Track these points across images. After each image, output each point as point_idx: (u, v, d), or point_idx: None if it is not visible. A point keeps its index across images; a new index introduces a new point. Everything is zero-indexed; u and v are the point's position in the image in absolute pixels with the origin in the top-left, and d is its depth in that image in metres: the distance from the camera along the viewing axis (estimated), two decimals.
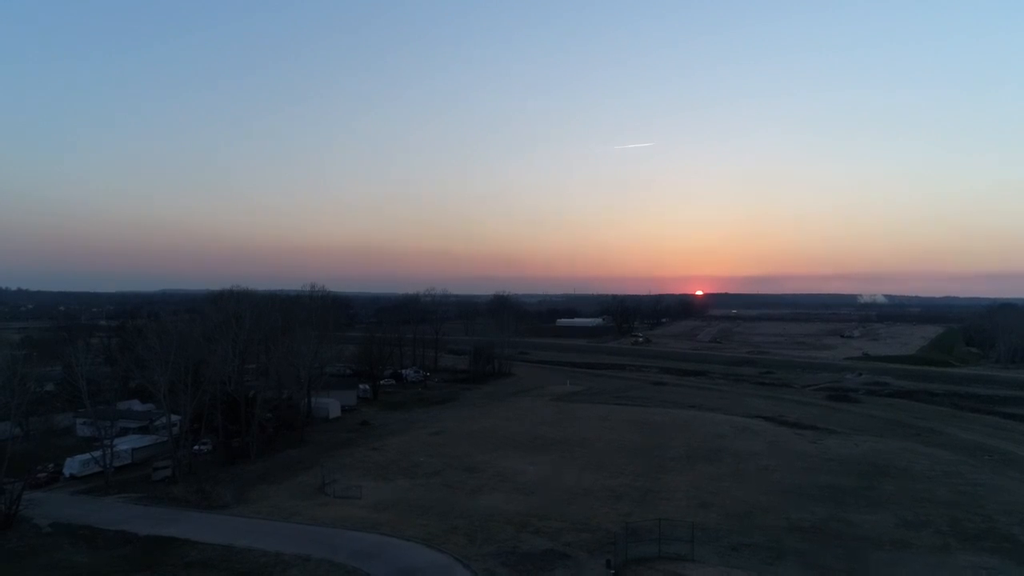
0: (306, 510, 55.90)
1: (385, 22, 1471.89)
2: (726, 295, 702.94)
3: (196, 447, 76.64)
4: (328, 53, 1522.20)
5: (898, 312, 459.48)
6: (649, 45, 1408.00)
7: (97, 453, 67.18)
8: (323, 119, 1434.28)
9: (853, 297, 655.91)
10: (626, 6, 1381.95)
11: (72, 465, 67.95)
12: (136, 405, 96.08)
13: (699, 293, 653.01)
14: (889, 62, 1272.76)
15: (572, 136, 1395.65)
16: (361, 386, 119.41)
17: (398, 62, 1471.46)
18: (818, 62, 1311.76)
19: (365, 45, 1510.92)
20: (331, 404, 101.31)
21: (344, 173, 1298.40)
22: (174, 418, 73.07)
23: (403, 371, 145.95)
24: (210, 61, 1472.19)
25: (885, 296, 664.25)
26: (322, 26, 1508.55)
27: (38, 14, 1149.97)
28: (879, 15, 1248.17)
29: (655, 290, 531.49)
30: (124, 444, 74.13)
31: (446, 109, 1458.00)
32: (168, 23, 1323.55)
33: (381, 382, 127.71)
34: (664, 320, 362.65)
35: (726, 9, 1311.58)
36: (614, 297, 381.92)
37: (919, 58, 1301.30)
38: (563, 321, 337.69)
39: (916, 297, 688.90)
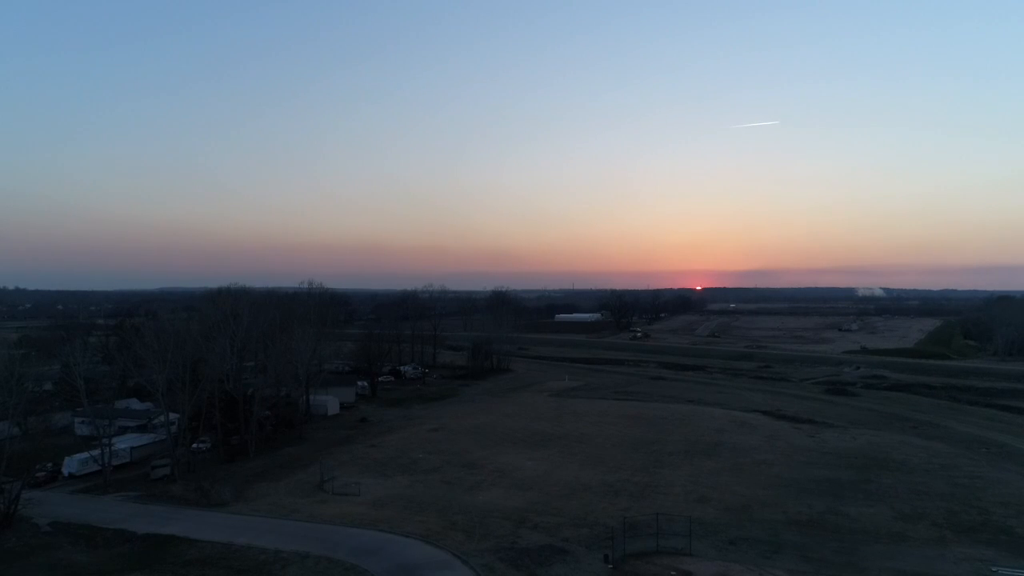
0: (305, 507, 56.03)
1: (382, 15, 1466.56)
2: (724, 289, 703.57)
3: (195, 445, 76.69)
4: (325, 50, 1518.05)
5: (896, 305, 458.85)
6: (641, 39, 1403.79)
7: (96, 452, 67.26)
8: (321, 116, 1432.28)
9: (851, 290, 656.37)
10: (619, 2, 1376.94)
11: (71, 464, 68.09)
12: (134, 404, 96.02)
13: (697, 288, 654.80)
14: (887, 53, 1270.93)
15: (568, 131, 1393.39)
16: (360, 383, 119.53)
17: (395, 56, 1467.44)
18: (814, 54, 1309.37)
19: (364, 40, 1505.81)
20: (330, 401, 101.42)
21: (343, 169, 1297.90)
22: (172, 416, 73.10)
23: (402, 368, 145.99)
24: (208, 60, 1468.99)
25: (883, 289, 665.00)
26: (320, 23, 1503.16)
27: (36, 16, 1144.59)
28: (880, 8, 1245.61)
29: (653, 285, 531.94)
30: (123, 443, 74.22)
31: (442, 105, 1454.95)
32: (166, 22, 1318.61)
33: (380, 379, 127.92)
34: (662, 315, 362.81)
35: (718, 3, 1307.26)
36: (612, 292, 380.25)
37: (920, 50, 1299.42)
38: (561, 316, 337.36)
39: (914, 290, 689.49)
